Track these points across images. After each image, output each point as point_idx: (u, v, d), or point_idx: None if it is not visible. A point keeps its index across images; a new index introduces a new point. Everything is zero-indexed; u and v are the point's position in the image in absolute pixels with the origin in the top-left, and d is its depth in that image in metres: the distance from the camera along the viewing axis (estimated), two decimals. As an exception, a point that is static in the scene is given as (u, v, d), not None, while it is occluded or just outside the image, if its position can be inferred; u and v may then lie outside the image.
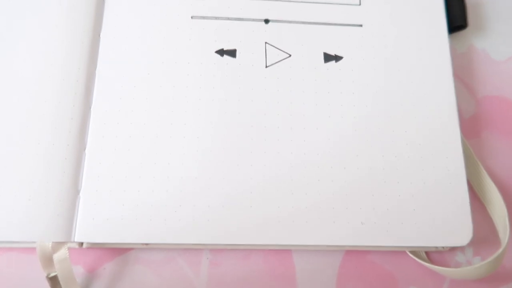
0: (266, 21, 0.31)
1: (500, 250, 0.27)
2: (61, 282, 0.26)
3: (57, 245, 0.26)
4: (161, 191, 0.27)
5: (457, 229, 0.27)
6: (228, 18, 0.31)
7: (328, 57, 0.31)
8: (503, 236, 0.28)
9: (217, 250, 0.29)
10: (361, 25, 0.31)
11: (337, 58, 0.31)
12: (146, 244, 0.27)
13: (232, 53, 0.30)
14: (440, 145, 0.29)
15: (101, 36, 0.30)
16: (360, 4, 0.32)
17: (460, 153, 0.29)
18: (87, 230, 0.26)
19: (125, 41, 0.30)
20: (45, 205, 0.26)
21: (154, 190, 0.27)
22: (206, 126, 0.28)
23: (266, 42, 0.31)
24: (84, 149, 0.28)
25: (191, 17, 0.31)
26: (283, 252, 0.29)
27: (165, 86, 0.29)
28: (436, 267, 0.28)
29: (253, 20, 0.31)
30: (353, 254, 0.29)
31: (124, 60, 0.29)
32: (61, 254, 0.26)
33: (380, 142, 0.29)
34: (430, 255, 0.29)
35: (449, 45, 0.32)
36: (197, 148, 0.28)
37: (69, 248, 0.26)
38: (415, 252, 0.29)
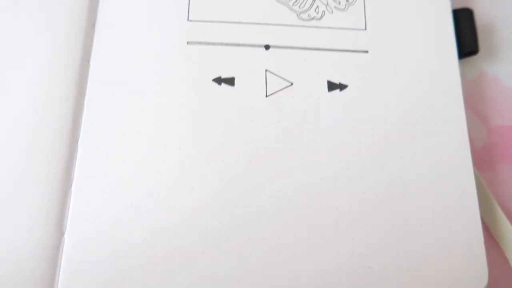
0: (267, 47, 0.29)
1: (518, 297, 0.25)
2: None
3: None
4: (155, 238, 0.25)
5: (471, 274, 0.26)
6: (226, 44, 0.29)
7: (332, 86, 0.29)
8: (520, 280, 0.27)
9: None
10: (367, 51, 0.30)
11: (341, 86, 0.29)
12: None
13: (230, 81, 0.28)
14: (451, 180, 0.27)
15: (90, 63, 0.28)
16: (365, 29, 0.30)
17: (474, 190, 0.27)
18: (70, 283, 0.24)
19: (115, 69, 0.28)
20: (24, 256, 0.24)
21: (148, 237, 0.25)
22: (203, 161, 0.26)
23: (266, 70, 0.29)
24: (70, 186, 0.26)
25: (187, 43, 0.29)
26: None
27: (159, 118, 0.27)
28: (448, 313, 0.26)
29: (253, 46, 0.29)
30: (359, 297, 0.27)
31: (115, 90, 0.28)
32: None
33: (388, 178, 0.27)
34: (441, 298, 0.27)
35: (459, 71, 0.30)
36: (193, 186, 0.26)
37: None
38: (425, 295, 0.27)
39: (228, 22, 0.29)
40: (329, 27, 0.30)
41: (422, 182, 0.27)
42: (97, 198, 0.25)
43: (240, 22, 0.30)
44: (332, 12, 0.30)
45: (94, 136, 0.26)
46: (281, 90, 0.28)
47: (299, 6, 0.30)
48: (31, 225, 0.24)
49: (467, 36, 0.31)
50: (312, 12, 0.30)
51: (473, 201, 0.27)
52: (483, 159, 0.31)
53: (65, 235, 0.25)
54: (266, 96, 0.28)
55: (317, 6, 0.30)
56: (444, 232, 0.26)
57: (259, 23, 0.30)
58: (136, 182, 0.26)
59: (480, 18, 0.33)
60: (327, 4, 0.31)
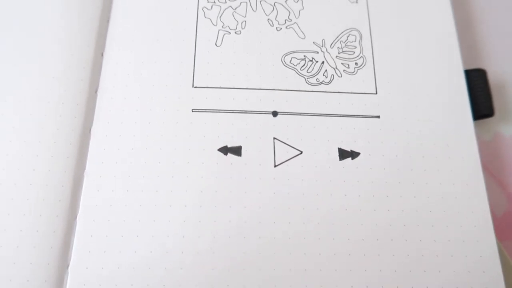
0: (275, 113, 0.28)
1: None
2: None
3: None
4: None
5: None
6: (233, 111, 0.28)
7: (343, 154, 0.27)
8: None
9: None
10: (378, 116, 0.29)
11: (353, 154, 0.27)
12: None
13: (237, 151, 0.27)
14: (473, 253, 0.26)
15: (92, 132, 0.27)
16: (376, 93, 0.29)
17: (498, 262, 0.25)
18: None
19: (116, 140, 0.27)
20: None
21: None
22: (208, 237, 0.25)
23: (274, 138, 0.28)
24: (67, 265, 0.24)
25: (192, 110, 0.28)
26: None
27: (161, 190, 0.26)
28: None
29: (260, 112, 0.28)
30: None
31: (115, 161, 0.26)
32: None
33: (407, 252, 0.25)
34: None
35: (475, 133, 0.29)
36: (199, 266, 0.24)
37: None
38: None
39: (234, 88, 0.29)
40: (338, 92, 0.29)
41: (443, 256, 0.25)
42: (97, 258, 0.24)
43: (246, 88, 0.29)
44: (341, 76, 0.29)
45: (94, 208, 0.25)
46: (290, 159, 0.27)
47: (307, 71, 0.29)
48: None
49: (481, 98, 0.30)
50: (320, 76, 0.29)
51: (498, 274, 0.25)
52: (505, 227, 0.29)
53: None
54: (275, 166, 0.27)
55: (326, 70, 0.30)
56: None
57: (266, 89, 0.29)
58: (135, 266, 0.24)
59: (493, 78, 0.32)
60: (336, 67, 0.30)
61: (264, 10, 0.31)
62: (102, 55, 0.29)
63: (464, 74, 0.30)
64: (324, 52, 0.30)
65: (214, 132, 0.27)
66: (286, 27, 0.30)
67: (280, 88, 0.29)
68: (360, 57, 0.30)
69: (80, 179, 0.26)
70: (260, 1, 0.31)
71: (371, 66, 0.30)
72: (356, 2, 0.32)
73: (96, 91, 0.28)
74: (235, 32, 0.30)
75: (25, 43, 0.28)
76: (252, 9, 0.31)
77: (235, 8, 0.31)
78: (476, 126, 0.30)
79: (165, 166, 0.26)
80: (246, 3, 0.31)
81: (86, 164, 0.26)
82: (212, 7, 0.31)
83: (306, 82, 0.29)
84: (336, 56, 0.30)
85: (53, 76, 0.28)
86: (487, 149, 0.31)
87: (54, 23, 0.29)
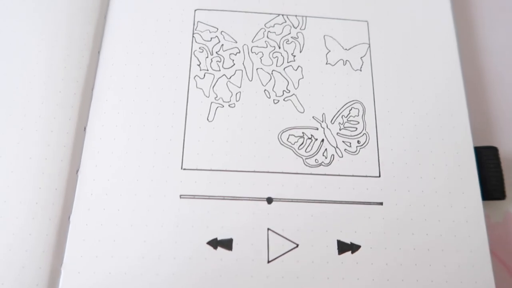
0: (269, 200, 0.26)
1: None
2: None
3: None
4: None
5: None
6: (224, 197, 0.26)
7: (342, 247, 0.25)
8: None
9: None
10: (381, 203, 0.26)
11: (353, 247, 0.25)
12: None
13: (227, 244, 0.25)
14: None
15: (71, 219, 0.25)
16: (379, 176, 0.27)
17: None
18: None
19: (98, 228, 0.25)
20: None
21: None
22: None
23: (268, 229, 0.25)
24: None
25: (180, 196, 0.26)
26: None
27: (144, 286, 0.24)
28: None
29: (254, 199, 0.26)
30: None
31: (95, 255, 0.24)
32: None
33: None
34: None
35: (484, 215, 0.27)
36: None
37: None
38: None
39: (226, 170, 0.26)
40: (339, 175, 0.27)
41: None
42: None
43: (239, 171, 0.26)
44: (342, 156, 0.27)
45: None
46: (285, 253, 0.25)
47: (306, 150, 0.27)
48: None
49: (492, 178, 0.28)
50: (320, 157, 0.27)
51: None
52: (514, 322, 0.27)
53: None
54: (268, 261, 0.25)
55: (326, 149, 0.27)
56: None
57: (260, 171, 0.27)
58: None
59: (505, 154, 0.30)
60: (337, 146, 0.28)
61: (260, 80, 0.29)
62: (84, 129, 0.27)
63: (474, 151, 0.28)
64: (324, 128, 0.28)
65: (203, 222, 0.25)
66: (284, 99, 0.28)
67: (275, 171, 0.27)
68: (363, 134, 0.28)
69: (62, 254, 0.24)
70: (256, 69, 0.29)
71: (374, 144, 0.28)
72: (360, 70, 0.29)
73: (77, 172, 0.26)
74: (229, 105, 0.28)
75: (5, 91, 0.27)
76: (248, 78, 0.29)
77: (230, 77, 0.29)
78: (485, 206, 0.28)
79: (148, 262, 0.24)
80: (242, 71, 0.29)
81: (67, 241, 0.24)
82: (204, 75, 0.29)
83: (304, 164, 0.27)
84: (337, 133, 0.28)
85: (34, 139, 0.26)
86: (497, 232, 0.29)
87: (37, 75, 0.27)
